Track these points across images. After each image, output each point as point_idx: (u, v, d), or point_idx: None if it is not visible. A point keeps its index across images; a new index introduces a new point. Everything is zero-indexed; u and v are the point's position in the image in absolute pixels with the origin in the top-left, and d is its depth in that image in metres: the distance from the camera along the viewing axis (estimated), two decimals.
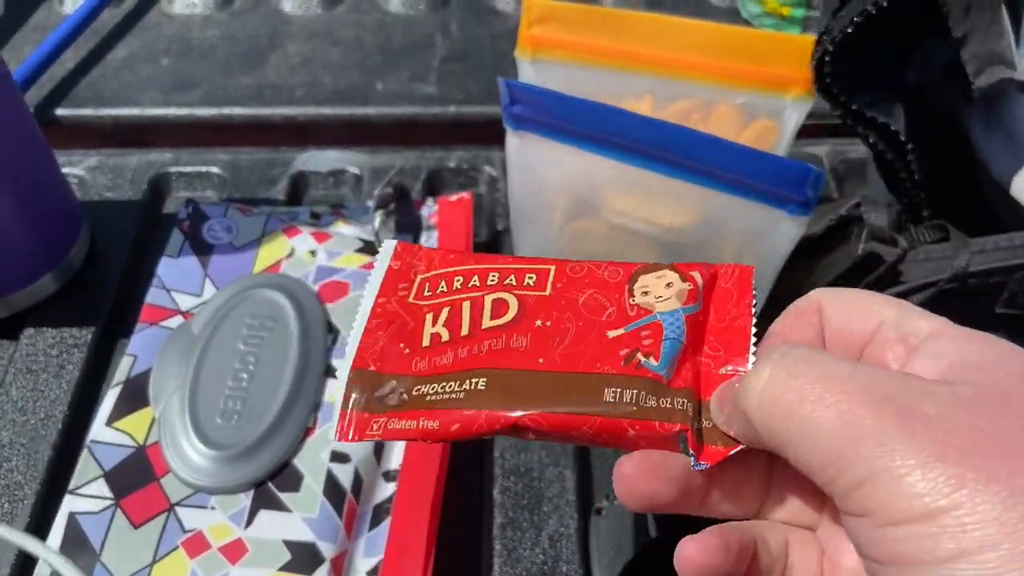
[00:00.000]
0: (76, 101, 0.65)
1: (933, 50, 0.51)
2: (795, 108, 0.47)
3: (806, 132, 0.48)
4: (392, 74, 0.69)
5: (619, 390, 0.25)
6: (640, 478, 0.25)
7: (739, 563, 0.24)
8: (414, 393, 0.27)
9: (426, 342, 0.28)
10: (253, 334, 0.44)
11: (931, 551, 0.19)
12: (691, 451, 0.24)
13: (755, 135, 0.49)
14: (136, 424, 0.41)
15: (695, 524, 0.25)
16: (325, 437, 0.41)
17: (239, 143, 0.64)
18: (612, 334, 0.27)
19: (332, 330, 0.45)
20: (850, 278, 0.42)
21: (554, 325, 0.27)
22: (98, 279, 0.53)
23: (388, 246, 0.32)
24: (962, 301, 0.40)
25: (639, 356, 0.26)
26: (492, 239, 0.57)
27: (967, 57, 0.45)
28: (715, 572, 0.23)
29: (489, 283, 0.29)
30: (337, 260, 0.48)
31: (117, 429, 0.41)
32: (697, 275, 0.28)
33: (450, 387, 0.26)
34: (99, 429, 0.41)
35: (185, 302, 0.46)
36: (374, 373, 0.28)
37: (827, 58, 0.42)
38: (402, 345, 0.28)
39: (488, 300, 0.28)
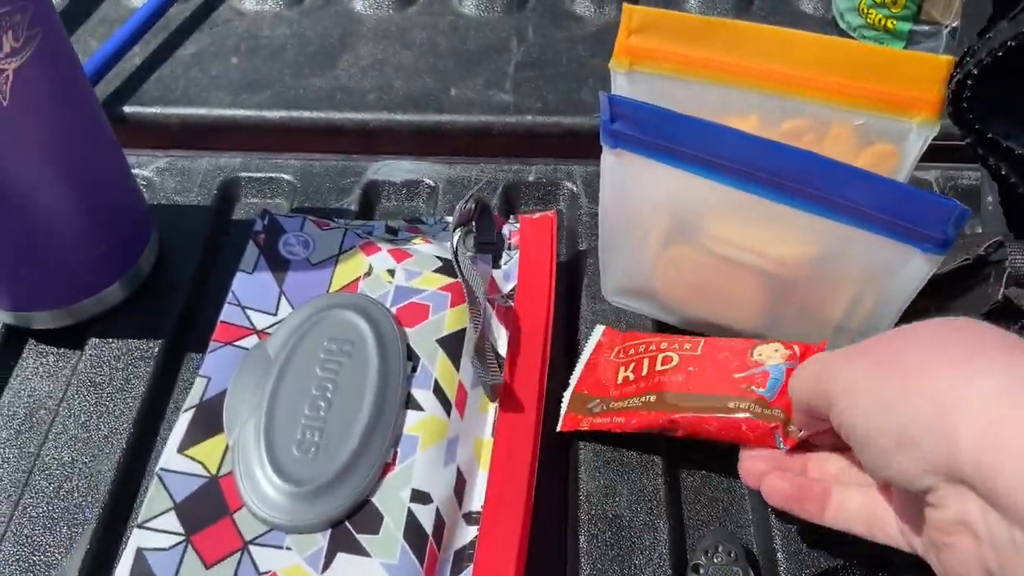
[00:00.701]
0: (144, 99, 0.64)
1: None
2: (920, 133, 0.43)
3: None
4: (466, 79, 0.66)
5: (737, 403, 0.40)
6: (756, 458, 0.40)
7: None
8: (609, 406, 0.43)
9: (619, 381, 0.45)
10: (331, 359, 0.41)
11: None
12: (781, 440, 0.39)
13: (872, 160, 0.46)
14: (209, 452, 0.39)
15: None
16: (406, 474, 0.38)
17: (308, 147, 0.62)
18: (737, 375, 0.42)
19: (412, 357, 0.42)
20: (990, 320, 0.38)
21: (699, 370, 0.43)
22: (167, 288, 0.51)
23: (598, 330, 0.49)
24: None
25: (753, 387, 0.41)
26: (573, 260, 0.54)
27: None
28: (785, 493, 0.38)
29: (661, 347, 0.45)
30: (416, 280, 0.46)
31: (189, 457, 0.38)
32: (796, 347, 0.42)
33: (632, 401, 0.43)
34: (170, 456, 0.38)
35: (260, 321, 0.43)
36: (586, 395, 0.45)
37: (969, 81, 0.38)
38: (604, 381, 0.45)
39: (660, 356, 0.44)
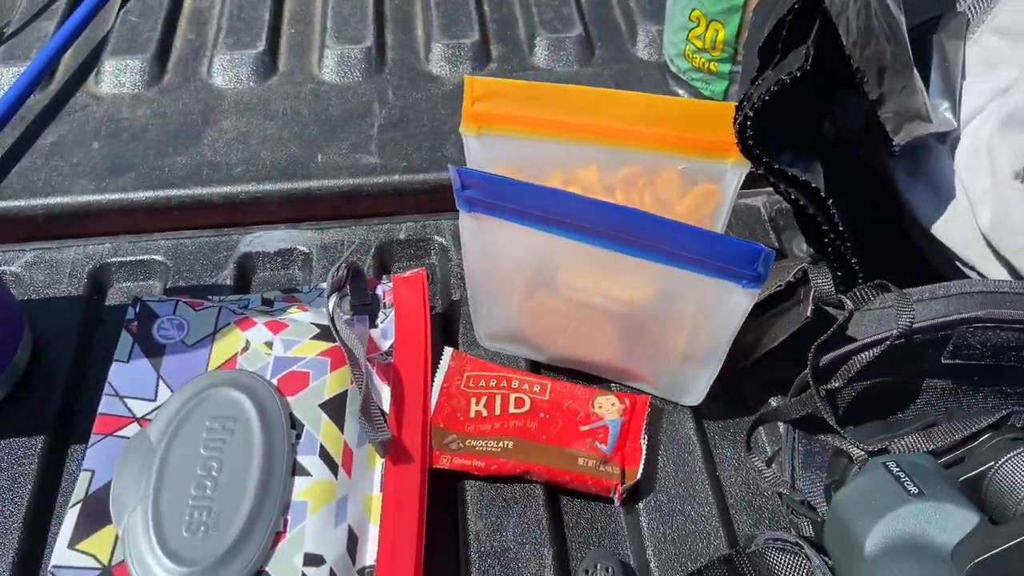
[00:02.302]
0: (6, 193, 0.63)
1: (848, 103, 0.54)
2: (734, 172, 0.49)
3: (743, 184, 0.49)
4: (331, 144, 0.69)
5: (586, 459, 0.47)
6: None
7: None
8: (466, 444, 0.47)
9: (472, 414, 0.49)
10: (214, 437, 0.43)
11: None
12: (616, 498, 0.46)
13: (697, 198, 0.51)
14: (99, 544, 0.40)
15: None
16: (297, 540, 0.40)
17: (178, 226, 0.63)
18: (583, 428, 0.48)
19: (295, 425, 0.44)
20: (804, 334, 0.43)
21: (550, 418, 0.48)
22: (44, 383, 0.51)
23: (447, 352, 0.52)
24: (909, 353, 0.42)
25: (596, 443, 0.47)
26: (448, 309, 0.57)
27: (885, 116, 0.47)
28: None
29: (512, 386, 0.50)
30: (294, 349, 0.48)
31: (80, 551, 0.39)
32: (627, 401, 0.49)
33: (490, 444, 0.47)
34: (61, 553, 0.39)
35: (139, 408, 0.45)
36: (442, 429, 0.48)
37: (748, 123, 0.43)
38: (458, 414, 0.49)
39: (512, 397, 0.49)
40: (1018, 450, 0.37)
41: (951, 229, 0.49)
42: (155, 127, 0.69)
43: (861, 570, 0.36)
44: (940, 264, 0.52)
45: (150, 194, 0.64)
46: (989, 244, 0.47)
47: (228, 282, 0.57)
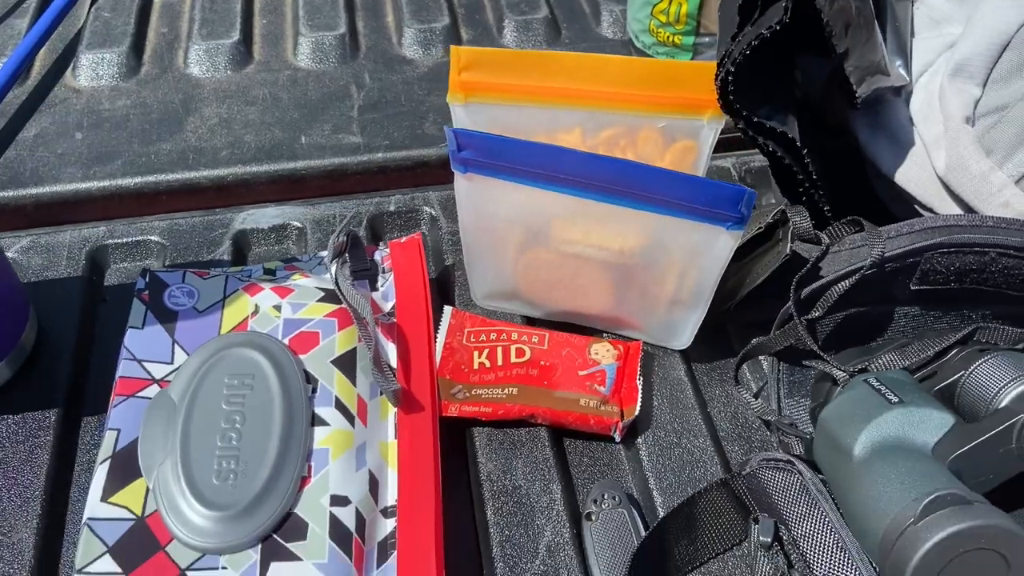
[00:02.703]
0: None
1: (810, 64, 0.57)
2: (710, 127, 0.52)
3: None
4: (314, 127, 0.70)
5: (587, 400, 0.49)
6: None
7: None
8: (472, 393, 0.50)
9: (475, 366, 0.51)
10: (234, 393, 0.45)
11: None
12: (617, 433, 0.49)
13: (677, 155, 0.54)
14: (132, 496, 0.41)
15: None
16: (323, 483, 0.42)
17: (168, 209, 0.65)
18: (581, 373, 0.51)
19: (310, 380, 0.46)
20: (784, 273, 0.47)
21: (550, 365, 0.51)
22: (52, 360, 0.52)
23: (447, 311, 0.54)
24: (881, 283, 0.46)
25: (596, 385, 0.50)
26: (443, 274, 0.59)
27: (850, 69, 0.50)
28: None
29: (512, 338, 0.53)
30: (302, 311, 0.50)
31: (113, 504, 0.41)
32: (621, 347, 0.52)
33: (496, 392, 0.50)
34: (95, 506, 0.41)
35: (158, 371, 0.46)
36: (449, 380, 0.51)
37: (730, 78, 0.47)
38: (463, 367, 0.51)
39: (513, 348, 0.52)
40: (985, 358, 0.40)
41: (910, 175, 0.53)
42: (137, 117, 0.71)
43: (851, 474, 0.39)
44: (901, 213, 0.56)
45: (138, 180, 0.66)
46: (945, 186, 0.51)
47: (226, 258, 0.59)
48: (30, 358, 0.52)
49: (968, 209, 0.51)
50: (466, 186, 0.50)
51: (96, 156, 0.67)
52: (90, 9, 0.80)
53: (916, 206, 0.54)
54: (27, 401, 0.50)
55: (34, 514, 0.45)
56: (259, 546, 0.40)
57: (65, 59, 0.76)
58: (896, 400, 0.40)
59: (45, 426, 0.49)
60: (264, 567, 0.39)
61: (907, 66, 0.55)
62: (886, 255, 0.44)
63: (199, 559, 0.40)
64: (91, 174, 0.65)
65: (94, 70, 0.74)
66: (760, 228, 0.48)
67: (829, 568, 0.38)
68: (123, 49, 0.76)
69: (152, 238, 0.60)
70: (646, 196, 0.46)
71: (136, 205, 0.65)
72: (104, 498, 0.41)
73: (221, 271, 0.52)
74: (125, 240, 0.60)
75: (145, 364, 0.46)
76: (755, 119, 0.49)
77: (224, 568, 0.39)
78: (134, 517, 0.41)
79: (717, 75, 0.48)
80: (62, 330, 0.54)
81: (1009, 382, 0.38)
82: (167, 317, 0.48)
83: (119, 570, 0.39)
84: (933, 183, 0.52)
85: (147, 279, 0.50)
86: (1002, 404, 0.38)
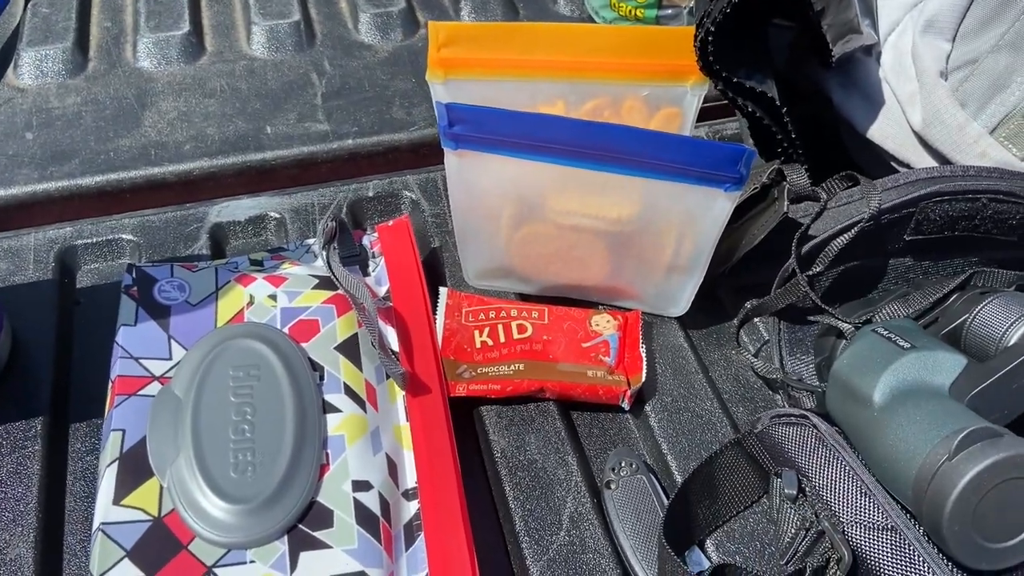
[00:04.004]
0: None
1: (774, 33, 0.58)
2: (694, 93, 0.52)
3: None
4: (277, 117, 0.69)
5: (594, 371, 0.49)
6: None
7: None
8: (478, 372, 0.49)
9: (478, 345, 0.50)
10: (241, 385, 0.43)
11: None
12: (626, 401, 0.49)
13: (662, 122, 0.54)
14: (146, 497, 0.39)
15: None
16: (343, 470, 0.41)
17: (135, 207, 0.62)
18: (585, 345, 0.51)
19: (316, 367, 0.45)
20: (782, 232, 0.47)
21: (553, 339, 0.51)
22: (31, 367, 0.50)
23: (443, 292, 0.53)
24: (877, 234, 0.47)
25: (601, 356, 0.50)
26: (430, 257, 0.58)
27: (825, 27, 0.51)
28: None
29: (512, 315, 0.52)
30: (298, 300, 0.48)
31: (127, 506, 0.39)
32: (620, 317, 0.52)
33: (502, 369, 0.49)
34: (107, 510, 0.39)
35: (157, 367, 0.44)
36: (453, 360, 0.50)
37: (709, 38, 0.47)
38: (465, 346, 0.50)
39: (514, 324, 0.51)
40: (988, 299, 0.42)
41: (887, 132, 0.55)
42: (89, 113, 0.68)
43: (873, 421, 0.40)
44: (877, 175, 0.58)
45: (100, 178, 0.63)
46: (922, 140, 0.53)
47: (205, 252, 0.57)
48: (7, 367, 0.49)
49: (945, 162, 0.52)
50: (457, 163, 0.49)
51: (51, 156, 0.64)
52: (26, 6, 0.76)
53: (893, 163, 0.56)
54: (9, 412, 0.47)
55: (30, 528, 0.43)
56: (285, 537, 0.39)
57: (4, 58, 0.72)
58: (908, 346, 0.41)
59: (31, 436, 0.46)
60: (294, 558, 0.38)
61: (874, 25, 0.57)
62: (883, 207, 0.45)
63: (225, 555, 0.38)
64: (48, 174, 0.62)
65: (38, 67, 0.71)
66: (756, 188, 0.49)
67: (856, 513, 0.39)
68: (67, 45, 0.72)
69: (124, 236, 0.58)
70: (642, 161, 0.46)
71: (100, 204, 0.62)
72: (116, 501, 0.39)
73: (208, 264, 0.51)
74: (95, 240, 0.57)
75: (143, 361, 0.44)
76: (735, 80, 0.49)
77: (253, 562, 0.38)
78: (151, 518, 0.39)
79: (696, 36, 0.48)
80: (38, 336, 0.51)
81: (1015, 320, 0.40)
82: (160, 312, 0.46)
83: (141, 574, 0.37)
84: (910, 138, 0.54)
85: (134, 275, 0.48)
86: (1011, 342, 0.39)
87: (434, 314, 0.51)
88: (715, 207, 0.47)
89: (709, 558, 0.44)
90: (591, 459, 0.48)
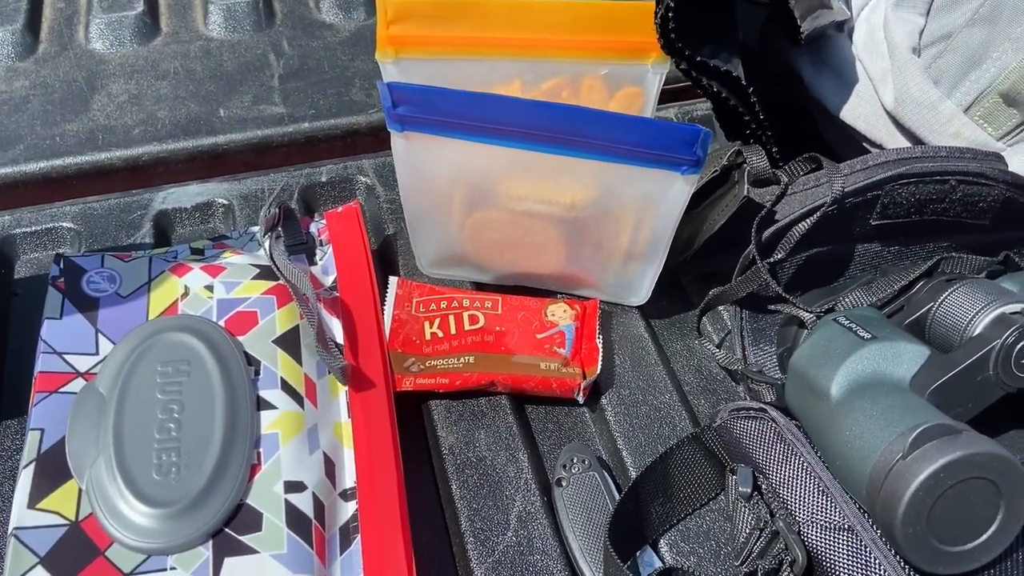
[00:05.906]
0: None
1: (745, 12, 0.56)
2: (655, 72, 0.50)
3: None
4: (232, 99, 0.66)
5: (547, 363, 0.47)
6: None
7: None
8: (427, 365, 0.47)
9: (428, 337, 0.48)
10: (169, 381, 0.41)
11: None
12: (581, 395, 0.46)
13: (623, 102, 0.52)
14: (62, 500, 0.37)
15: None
16: (274, 470, 0.39)
17: (81, 194, 0.60)
18: (539, 336, 0.49)
19: (252, 362, 0.43)
20: (746, 217, 0.45)
21: (506, 330, 0.49)
22: None
23: (393, 281, 0.51)
24: (841, 220, 0.44)
25: (555, 347, 0.48)
26: (384, 245, 0.56)
27: (794, 3, 0.49)
28: None
29: (464, 305, 0.50)
30: (236, 290, 0.46)
31: (42, 510, 0.37)
32: (578, 307, 0.50)
33: (451, 362, 0.47)
34: (22, 514, 0.37)
35: (82, 363, 0.42)
36: (401, 353, 0.47)
37: (670, 14, 0.44)
38: (414, 338, 0.48)
39: (465, 315, 0.49)
40: (954, 287, 0.40)
41: (858, 112, 0.52)
42: (37, 98, 0.65)
43: (829, 415, 0.38)
44: (848, 156, 0.56)
45: (44, 164, 0.61)
46: (894, 120, 0.51)
47: (148, 241, 0.55)
48: None
49: (918, 142, 0.50)
50: (404, 146, 0.47)
51: None
52: None
53: (865, 144, 0.53)
54: None
55: None
56: (210, 542, 0.37)
57: None
58: (869, 336, 0.39)
59: None
60: (217, 564, 0.36)
61: (846, 0, 0.54)
62: (847, 190, 0.43)
63: (144, 562, 0.36)
64: None
65: None
66: (716, 171, 0.46)
67: (812, 513, 0.37)
68: (16, 27, 0.70)
69: (64, 224, 0.56)
70: (594, 143, 0.44)
71: (44, 191, 0.60)
72: (31, 504, 0.37)
73: (144, 253, 0.48)
74: (34, 228, 0.55)
75: (67, 357, 0.42)
76: (698, 58, 0.47)
77: (174, 568, 0.36)
78: (67, 522, 0.37)
79: (657, 12, 0.46)
80: None
81: (981, 309, 0.38)
82: (87, 305, 0.44)
83: None
84: (881, 118, 0.51)
85: (62, 265, 0.46)
86: (976, 332, 0.37)
87: (382, 304, 0.49)
88: (672, 191, 0.45)
89: (663, 559, 0.42)
90: (544, 455, 0.46)
